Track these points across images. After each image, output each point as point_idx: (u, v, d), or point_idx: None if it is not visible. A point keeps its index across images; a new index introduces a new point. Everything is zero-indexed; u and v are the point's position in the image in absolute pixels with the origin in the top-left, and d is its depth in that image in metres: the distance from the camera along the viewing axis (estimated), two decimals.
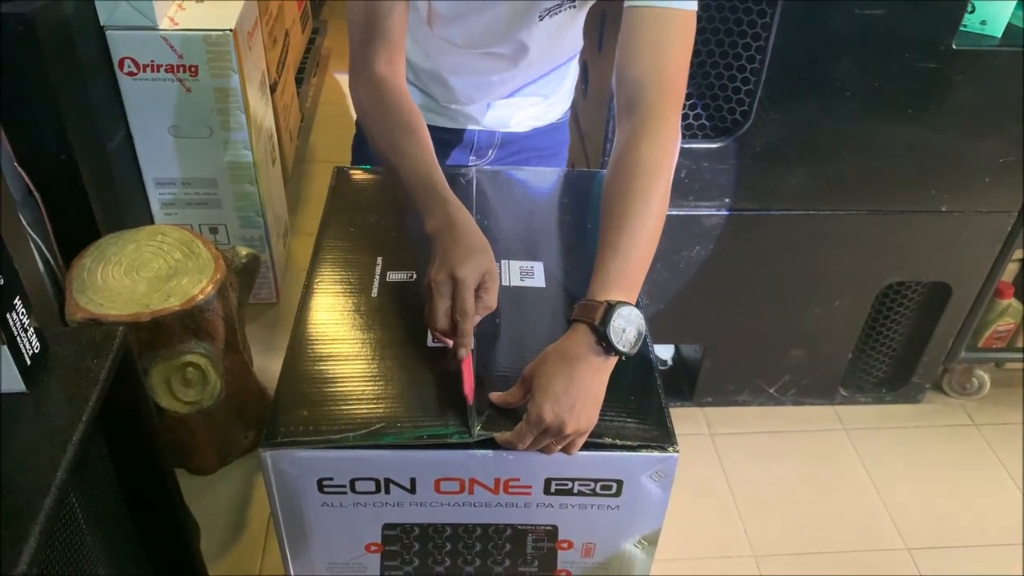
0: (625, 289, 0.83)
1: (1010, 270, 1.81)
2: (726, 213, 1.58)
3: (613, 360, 0.81)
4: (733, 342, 1.79)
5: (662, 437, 0.83)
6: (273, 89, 2.18)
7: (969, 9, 1.40)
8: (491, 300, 0.88)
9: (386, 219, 1.11)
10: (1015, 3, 1.43)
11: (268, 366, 1.94)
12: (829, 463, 1.80)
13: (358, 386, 0.86)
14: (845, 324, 1.77)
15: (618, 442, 0.81)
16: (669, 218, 1.56)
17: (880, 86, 1.43)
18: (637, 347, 0.81)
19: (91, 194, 1.65)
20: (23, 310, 0.82)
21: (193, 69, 1.73)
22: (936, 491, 1.74)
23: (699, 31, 1.40)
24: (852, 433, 1.87)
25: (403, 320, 0.94)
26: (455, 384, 0.85)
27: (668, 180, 0.90)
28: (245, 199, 1.94)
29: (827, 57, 1.39)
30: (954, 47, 1.39)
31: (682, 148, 1.48)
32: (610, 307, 0.80)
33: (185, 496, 1.63)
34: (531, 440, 0.78)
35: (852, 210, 1.59)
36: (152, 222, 1.95)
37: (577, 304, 0.83)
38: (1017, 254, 1.76)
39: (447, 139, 1.25)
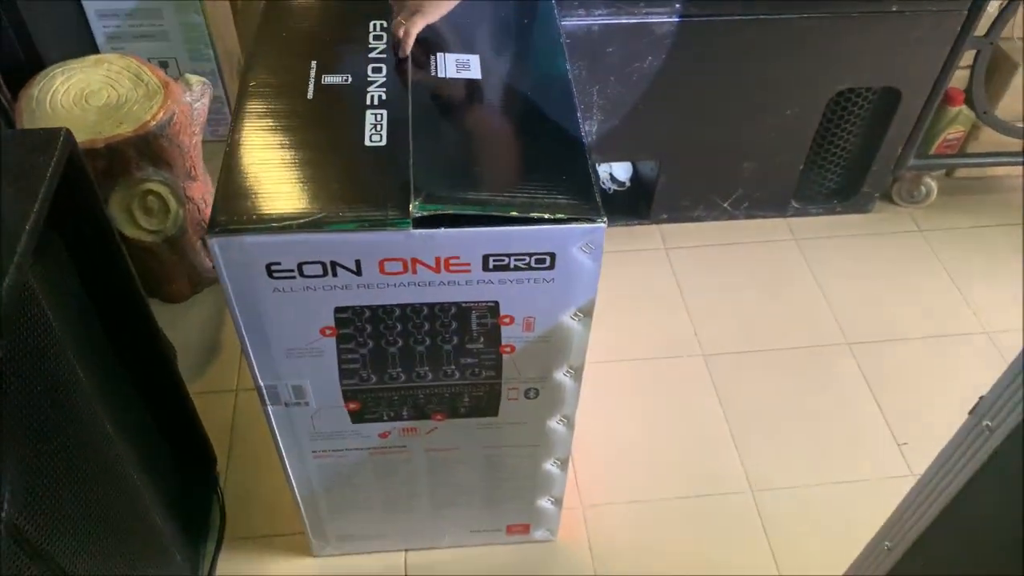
0: None
1: (961, 77, 1.83)
2: (676, 20, 1.56)
3: None
4: (687, 157, 1.82)
5: (590, 210, 0.87)
6: None
7: None
8: None
9: (321, 26, 1.11)
10: None
11: None
12: (778, 270, 1.88)
13: (299, 183, 0.89)
14: (796, 134, 1.80)
15: (548, 215, 0.86)
16: (622, 27, 1.57)
17: None
18: None
19: (30, 24, 1.61)
20: None
21: None
22: (878, 291, 1.84)
23: None
24: (802, 243, 1.95)
25: (341, 121, 0.96)
26: (393, 174, 0.88)
27: None
28: (193, 31, 1.89)
29: None
30: None
31: None
32: None
33: (160, 323, 1.71)
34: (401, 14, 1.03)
35: (802, 14, 1.58)
36: None
37: None
38: (967, 59, 1.76)
39: None
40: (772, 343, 1.73)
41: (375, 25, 1.09)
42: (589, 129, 1.72)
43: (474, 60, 1.05)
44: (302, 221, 0.84)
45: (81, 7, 1.82)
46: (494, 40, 1.11)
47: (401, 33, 1.03)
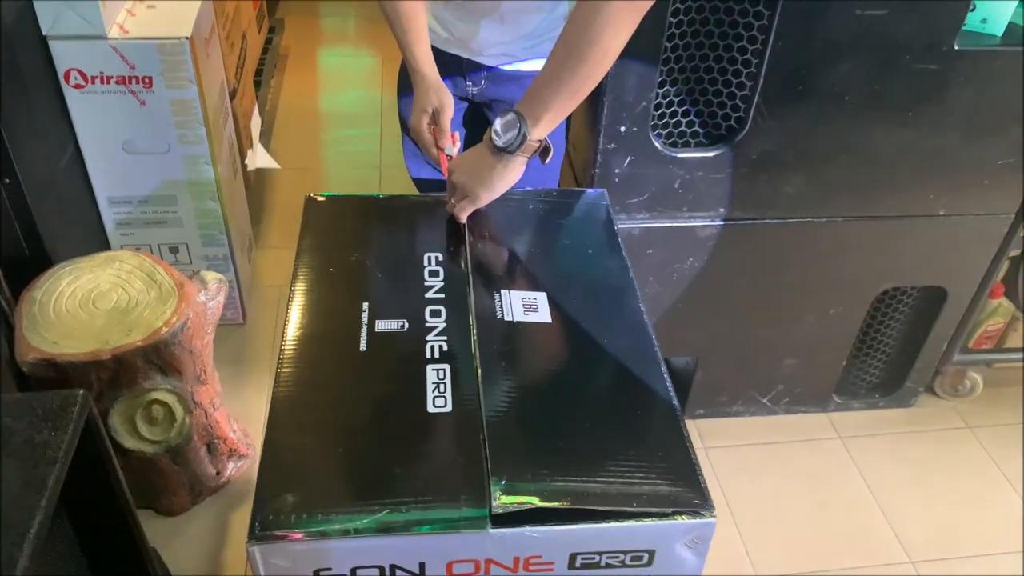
0: (527, 104, 1.02)
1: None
2: (720, 223, 1.51)
3: (507, 156, 1.03)
4: (726, 353, 1.73)
5: (696, 500, 0.75)
6: (232, 96, 2.05)
7: (970, 7, 1.34)
8: (444, 124, 1.28)
9: (369, 256, 1.02)
10: (1016, 1, 1.37)
11: (236, 393, 1.84)
12: (826, 475, 1.75)
13: (353, 460, 0.77)
14: (840, 332, 1.72)
15: (650, 510, 0.74)
16: (663, 230, 1.51)
17: (880, 89, 1.37)
18: (514, 146, 1.02)
19: (39, 220, 1.52)
20: None
21: (147, 80, 1.60)
22: (935, 500, 1.71)
23: (693, 34, 1.33)
24: (847, 441, 1.83)
25: (398, 378, 0.85)
26: (465, 453, 0.76)
27: (601, 28, 0.97)
28: (207, 217, 1.82)
29: (826, 60, 1.33)
30: (956, 48, 1.33)
31: (675, 158, 1.42)
32: (503, 112, 1.03)
33: (155, 539, 1.53)
34: (453, 196, 1.10)
35: (849, 216, 1.54)
36: (107, 242, 1.82)
37: None
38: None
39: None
40: (831, 562, 1.57)
41: (430, 259, 1.01)
42: None
43: (541, 299, 0.95)
44: (361, 523, 0.71)
45: (92, 194, 1.75)
46: (559, 272, 1.02)
47: (454, 213, 1.10)
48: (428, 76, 1.27)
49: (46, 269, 1.49)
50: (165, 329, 1.40)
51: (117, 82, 1.59)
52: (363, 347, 0.88)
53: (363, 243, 1.04)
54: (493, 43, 1.35)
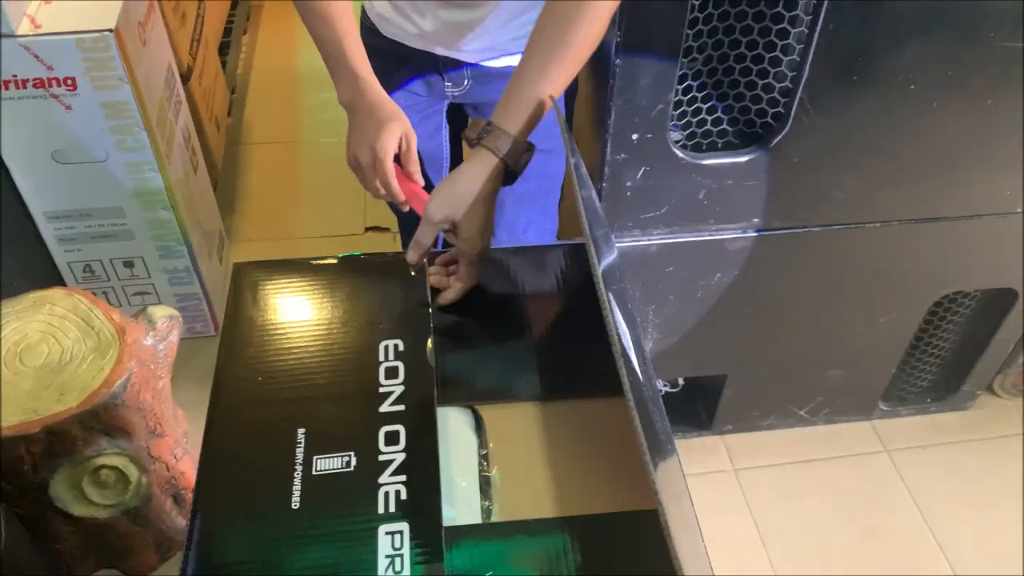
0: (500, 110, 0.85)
1: None
2: (754, 234, 1.27)
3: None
4: (760, 368, 1.51)
5: None
6: (187, 78, 1.80)
7: None
8: (412, 163, 0.96)
9: (310, 353, 0.79)
10: None
11: None
12: (874, 498, 1.56)
13: None
14: (890, 340, 1.49)
15: None
16: (685, 245, 1.27)
17: (955, 74, 1.10)
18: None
19: None
20: None
21: (69, 82, 1.35)
22: (995, 521, 1.51)
23: (721, 17, 1.07)
24: (895, 455, 1.62)
25: (341, 554, 0.64)
26: None
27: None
28: (161, 227, 1.59)
29: (891, 42, 1.06)
30: None
31: (700, 165, 1.17)
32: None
33: None
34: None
35: (907, 219, 1.29)
36: (51, 261, 1.61)
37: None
38: None
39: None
40: None
41: (388, 350, 0.79)
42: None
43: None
44: None
45: (27, 210, 1.52)
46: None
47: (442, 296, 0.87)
48: (383, 97, 0.95)
49: None
50: (104, 390, 1.19)
51: (35, 86, 1.35)
52: (296, 503, 0.67)
53: (304, 333, 0.81)
54: (482, 36, 1.09)
